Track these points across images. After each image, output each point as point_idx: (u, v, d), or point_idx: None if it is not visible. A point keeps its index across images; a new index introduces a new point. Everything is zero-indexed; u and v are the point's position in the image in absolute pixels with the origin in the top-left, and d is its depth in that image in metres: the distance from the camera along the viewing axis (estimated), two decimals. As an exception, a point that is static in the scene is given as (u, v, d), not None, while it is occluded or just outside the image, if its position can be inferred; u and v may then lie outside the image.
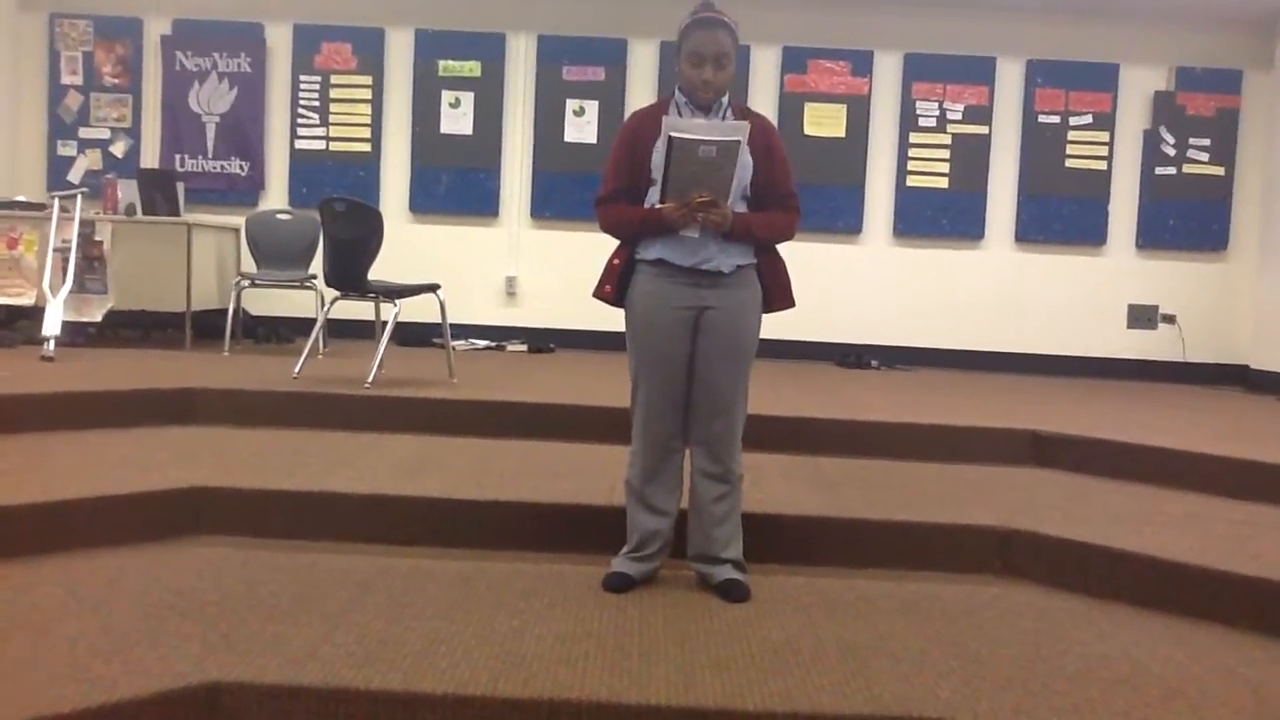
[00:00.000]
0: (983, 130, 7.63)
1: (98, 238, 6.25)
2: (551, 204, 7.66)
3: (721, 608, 2.84)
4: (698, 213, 2.77)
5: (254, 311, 7.07)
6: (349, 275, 5.13)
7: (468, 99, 7.65)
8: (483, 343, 7.48)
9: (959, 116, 7.63)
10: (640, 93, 7.57)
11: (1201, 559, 3.02)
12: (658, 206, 2.82)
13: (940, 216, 7.66)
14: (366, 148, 7.68)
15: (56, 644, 2.33)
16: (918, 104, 7.63)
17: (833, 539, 3.33)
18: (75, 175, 7.63)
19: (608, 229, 3.01)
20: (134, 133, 7.72)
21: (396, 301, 5.20)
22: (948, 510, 3.53)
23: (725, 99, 2.93)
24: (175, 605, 2.63)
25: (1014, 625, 2.81)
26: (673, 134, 2.69)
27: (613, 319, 3.07)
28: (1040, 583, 3.20)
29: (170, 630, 2.45)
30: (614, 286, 2.97)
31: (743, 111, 2.95)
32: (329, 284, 5.22)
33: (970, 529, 3.36)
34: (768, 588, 3.00)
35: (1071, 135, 7.62)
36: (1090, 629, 2.81)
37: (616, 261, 2.98)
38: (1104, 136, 7.61)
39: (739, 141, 2.72)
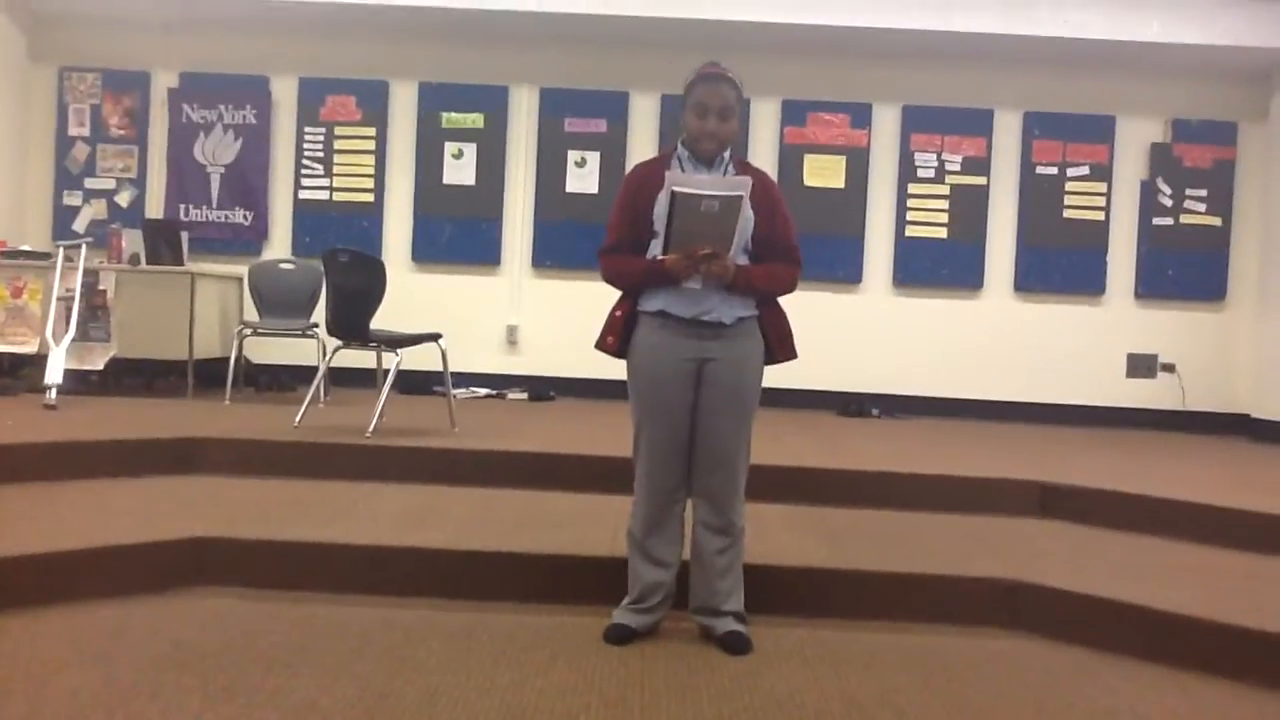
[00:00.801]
0: (981, 181, 7.69)
1: (101, 287, 6.28)
2: (553, 254, 7.70)
3: (724, 660, 2.82)
4: (700, 265, 2.79)
5: (256, 360, 7.09)
6: (352, 324, 5.15)
7: (470, 150, 7.73)
8: (484, 391, 7.48)
9: (957, 167, 7.70)
10: (641, 144, 7.65)
11: (1208, 612, 3.01)
12: (660, 258, 2.85)
13: (939, 266, 7.70)
14: (370, 198, 7.75)
15: (58, 696, 2.32)
16: (916, 155, 7.71)
17: (836, 590, 3.32)
18: (80, 225, 7.68)
19: (610, 280, 3.03)
20: (139, 183, 7.78)
21: (398, 351, 5.21)
22: (952, 562, 3.51)
23: (727, 153, 2.97)
24: (176, 657, 2.62)
25: (1019, 679, 2.80)
26: (675, 189, 2.71)
27: (613, 367, 3.08)
28: (1046, 635, 3.17)
29: (171, 682, 2.44)
30: (616, 338, 2.99)
31: (744, 166, 2.99)
32: (331, 333, 5.24)
33: (975, 581, 3.34)
34: (770, 640, 2.98)
35: (1069, 186, 7.69)
36: (1096, 682, 2.79)
37: (619, 313, 3.00)
38: (1101, 187, 7.68)
39: (741, 197, 2.74)
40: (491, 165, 7.72)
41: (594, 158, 7.69)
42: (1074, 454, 5.66)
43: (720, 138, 2.92)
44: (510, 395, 7.44)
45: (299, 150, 7.75)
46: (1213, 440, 7.08)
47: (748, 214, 2.83)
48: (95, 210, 7.74)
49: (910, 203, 7.70)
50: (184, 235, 6.64)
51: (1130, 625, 3.05)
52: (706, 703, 2.50)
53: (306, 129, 7.75)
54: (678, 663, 2.78)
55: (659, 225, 2.83)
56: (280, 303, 6.81)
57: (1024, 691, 2.70)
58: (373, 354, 5.75)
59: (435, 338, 5.32)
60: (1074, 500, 4.34)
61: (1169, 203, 7.66)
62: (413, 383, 6.92)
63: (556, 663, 2.73)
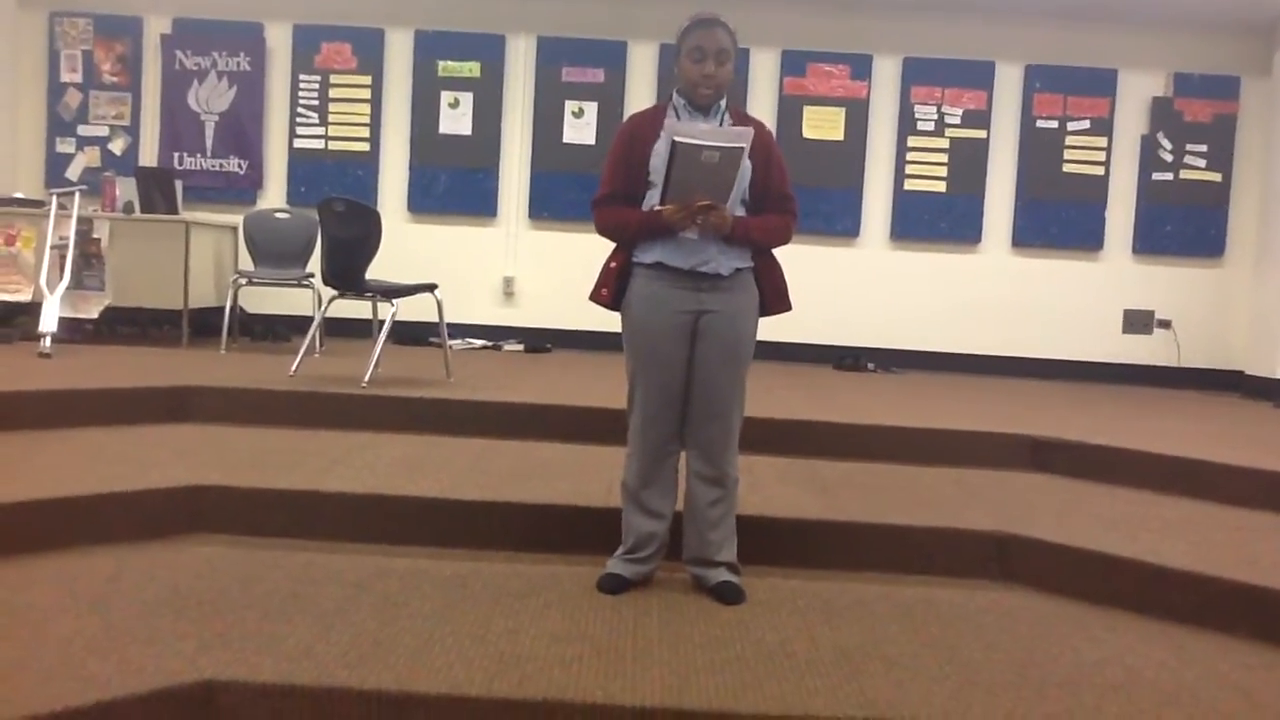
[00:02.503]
0: (981, 134, 7.64)
1: (95, 235, 6.25)
2: (549, 204, 7.66)
3: (716, 610, 2.84)
4: (698, 216, 2.77)
5: (251, 309, 7.07)
6: (347, 274, 5.14)
7: (467, 99, 7.65)
8: (479, 342, 7.48)
9: (957, 120, 7.64)
10: (639, 94, 7.58)
11: (1197, 565, 3.03)
12: (657, 209, 2.82)
13: (938, 220, 7.67)
14: (365, 147, 7.69)
15: (52, 642, 2.33)
16: (916, 108, 7.64)
17: (828, 542, 3.34)
18: (74, 173, 7.63)
19: (604, 232, 3.00)
20: (133, 131, 7.71)
21: (394, 301, 5.20)
22: (944, 514, 3.53)
23: (723, 102, 2.94)
24: (171, 603, 2.63)
25: (1009, 630, 2.82)
26: (677, 139, 2.68)
27: (609, 319, 3.07)
28: (1036, 588, 3.20)
29: (166, 628, 2.45)
30: (611, 290, 2.97)
31: (740, 116, 2.96)
32: (327, 283, 5.22)
33: (967, 533, 3.37)
34: (763, 590, 3.00)
35: (1069, 140, 7.64)
36: (1085, 634, 2.82)
37: (614, 265, 2.97)
38: (1102, 142, 7.62)
39: (743, 149, 2.72)
40: (488, 115, 7.65)
41: (592, 108, 7.62)
42: (1068, 408, 5.67)
43: (718, 82, 2.88)
44: (506, 346, 7.43)
45: (294, 98, 7.68)
46: (1207, 396, 7.10)
47: (745, 164, 2.81)
48: (88, 158, 7.68)
49: (909, 155, 7.65)
50: (178, 184, 6.62)
51: (1121, 578, 3.08)
52: (699, 651, 2.52)
53: (301, 76, 7.66)
54: (671, 612, 2.80)
55: (655, 176, 2.81)
56: (275, 252, 6.77)
57: (1014, 643, 2.72)
58: (368, 304, 5.74)
59: (431, 288, 5.31)
60: (1066, 454, 4.36)
61: (1169, 158, 7.61)
62: (408, 333, 6.91)
63: (550, 611, 2.75)
